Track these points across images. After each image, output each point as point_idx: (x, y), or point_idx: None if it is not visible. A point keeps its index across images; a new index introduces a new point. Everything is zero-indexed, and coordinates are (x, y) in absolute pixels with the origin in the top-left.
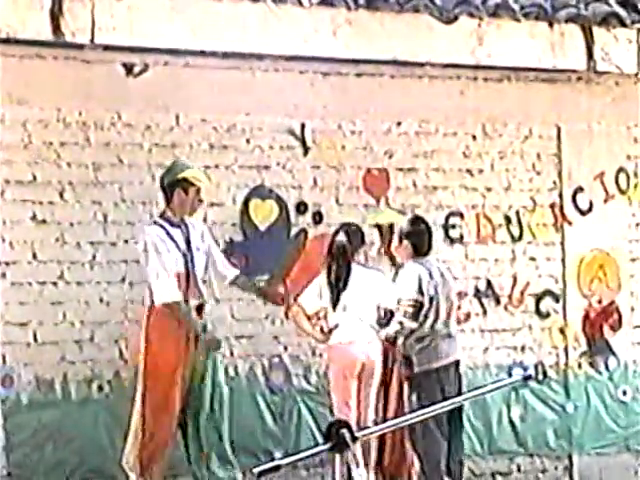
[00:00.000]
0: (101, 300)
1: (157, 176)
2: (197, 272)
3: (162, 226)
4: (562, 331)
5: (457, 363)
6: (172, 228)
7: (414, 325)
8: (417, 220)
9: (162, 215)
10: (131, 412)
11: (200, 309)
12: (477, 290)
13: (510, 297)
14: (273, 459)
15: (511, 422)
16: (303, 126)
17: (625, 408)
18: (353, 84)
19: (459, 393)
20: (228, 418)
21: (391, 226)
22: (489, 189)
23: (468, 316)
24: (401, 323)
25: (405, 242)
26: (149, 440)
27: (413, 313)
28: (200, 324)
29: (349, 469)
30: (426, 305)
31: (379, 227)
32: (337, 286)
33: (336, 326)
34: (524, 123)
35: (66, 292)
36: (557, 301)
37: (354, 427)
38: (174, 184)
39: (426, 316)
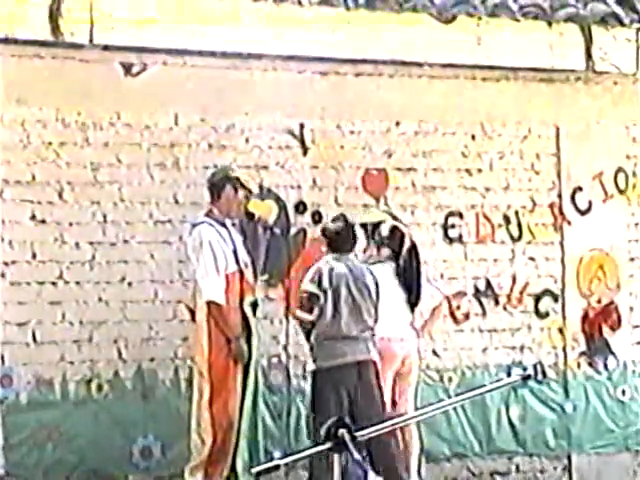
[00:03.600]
0: (100, 300)
1: (156, 176)
2: (245, 270)
3: (212, 225)
4: (561, 331)
5: (360, 363)
6: (220, 227)
7: (308, 317)
8: (338, 218)
9: (209, 215)
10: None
11: (254, 306)
12: (476, 290)
13: (509, 297)
14: (272, 459)
15: (510, 422)
16: (302, 126)
17: (624, 408)
18: (352, 84)
19: (362, 395)
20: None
21: (375, 225)
22: (488, 189)
23: (467, 316)
24: (294, 315)
25: (324, 239)
26: (217, 441)
27: (306, 305)
28: (240, 328)
29: (347, 469)
30: (321, 299)
31: (365, 226)
32: (412, 287)
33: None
34: (523, 123)
35: (65, 292)
36: (556, 301)
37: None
38: (225, 181)
39: (322, 310)
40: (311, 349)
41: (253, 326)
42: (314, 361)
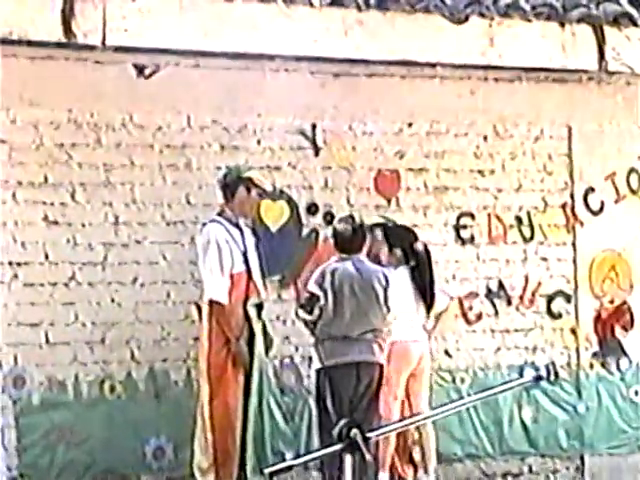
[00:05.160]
0: (112, 301)
1: (168, 177)
2: (254, 272)
3: (222, 224)
4: (574, 331)
5: (359, 365)
6: (231, 227)
7: (308, 317)
8: (346, 219)
9: (221, 214)
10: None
11: (259, 308)
12: (489, 290)
13: (521, 297)
14: (284, 460)
15: (522, 422)
16: (314, 127)
17: (637, 408)
18: (364, 85)
19: (360, 396)
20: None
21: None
22: (500, 190)
23: (480, 316)
24: (296, 314)
25: (330, 240)
26: (220, 440)
27: (307, 305)
28: (241, 329)
29: (361, 471)
30: (322, 300)
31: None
32: (425, 289)
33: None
34: (535, 123)
35: (78, 293)
36: (569, 301)
37: (397, 418)
38: (238, 182)
39: (321, 310)
40: (315, 348)
41: (256, 328)
42: (319, 360)
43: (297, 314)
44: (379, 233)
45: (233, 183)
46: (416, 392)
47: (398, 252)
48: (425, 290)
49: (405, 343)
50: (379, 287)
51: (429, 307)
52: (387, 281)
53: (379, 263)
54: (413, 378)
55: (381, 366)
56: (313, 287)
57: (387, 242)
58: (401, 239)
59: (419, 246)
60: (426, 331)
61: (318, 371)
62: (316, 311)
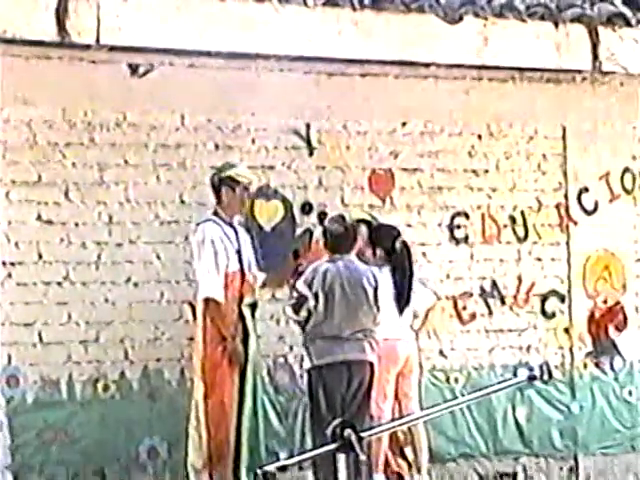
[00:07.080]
0: (106, 300)
1: (162, 176)
2: (247, 271)
3: (217, 223)
4: (567, 331)
5: (351, 363)
6: (226, 227)
7: (295, 317)
8: (337, 219)
9: (215, 214)
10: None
11: (253, 307)
12: (482, 290)
13: (515, 297)
14: (278, 459)
15: (516, 422)
16: (308, 126)
17: (630, 408)
18: (358, 84)
19: (352, 395)
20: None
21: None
22: (494, 189)
23: (473, 316)
24: (284, 313)
25: (321, 240)
26: (214, 440)
27: (294, 305)
28: (236, 327)
29: (356, 470)
30: (311, 301)
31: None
32: (402, 287)
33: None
34: (529, 123)
35: (71, 292)
36: (562, 301)
37: (389, 418)
38: (220, 183)
39: (310, 312)
40: (305, 347)
41: (250, 327)
42: (309, 359)
43: (285, 313)
44: (364, 231)
45: (216, 184)
46: (406, 392)
47: (378, 251)
48: (402, 289)
49: (391, 341)
50: (369, 287)
51: (404, 307)
52: (376, 281)
53: (365, 262)
54: (402, 377)
55: (372, 365)
56: (301, 287)
57: (371, 241)
58: (384, 238)
59: (398, 244)
60: (413, 330)
61: (309, 371)
62: (303, 312)
